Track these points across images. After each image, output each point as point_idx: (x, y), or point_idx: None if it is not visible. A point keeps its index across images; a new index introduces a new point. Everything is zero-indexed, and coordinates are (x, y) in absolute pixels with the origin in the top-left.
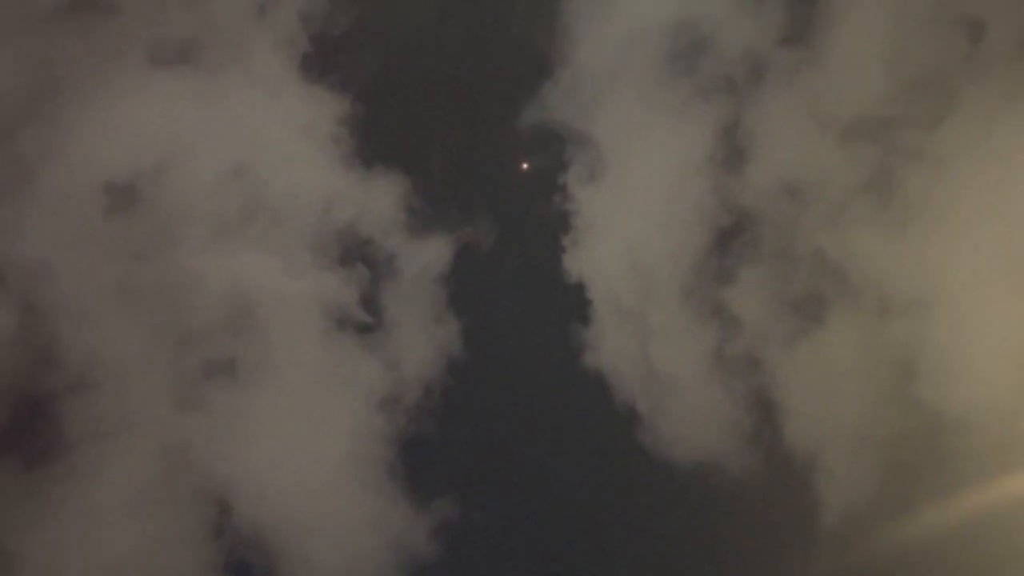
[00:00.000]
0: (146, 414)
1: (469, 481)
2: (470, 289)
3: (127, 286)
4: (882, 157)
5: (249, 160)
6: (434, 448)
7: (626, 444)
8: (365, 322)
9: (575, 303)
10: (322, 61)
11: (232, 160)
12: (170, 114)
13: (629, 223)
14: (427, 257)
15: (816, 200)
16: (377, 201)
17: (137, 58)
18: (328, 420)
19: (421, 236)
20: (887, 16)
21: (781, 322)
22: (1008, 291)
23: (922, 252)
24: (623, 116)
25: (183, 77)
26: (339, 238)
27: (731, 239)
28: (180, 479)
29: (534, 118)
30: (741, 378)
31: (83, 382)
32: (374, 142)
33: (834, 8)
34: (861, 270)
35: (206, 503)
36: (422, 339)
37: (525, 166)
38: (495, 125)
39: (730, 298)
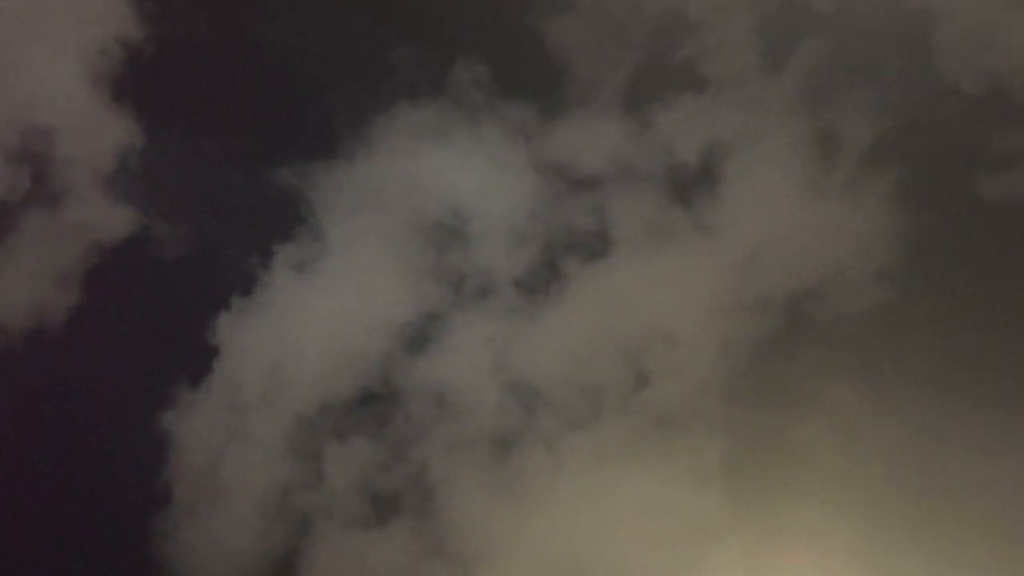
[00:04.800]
0: None
1: None
2: (113, 272)
3: None
4: (494, 428)
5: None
6: None
7: (119, 549)
8: None
9: (197, 361)
10: None
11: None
12: None
13: (296, 330)
14: (105, 222)
15: (452, 422)
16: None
17: None
18: None
19: (112, 194)
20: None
21: (342, 509)
22: None
23: (506, 519)
24: (359, 243)
25: None
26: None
27: (367, 404)
28: None
29: (289, 178)
30: (271, 540)
31: None
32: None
33: (568, 300)
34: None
35: None
36: (24, 285)
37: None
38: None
39: (329, 454)
